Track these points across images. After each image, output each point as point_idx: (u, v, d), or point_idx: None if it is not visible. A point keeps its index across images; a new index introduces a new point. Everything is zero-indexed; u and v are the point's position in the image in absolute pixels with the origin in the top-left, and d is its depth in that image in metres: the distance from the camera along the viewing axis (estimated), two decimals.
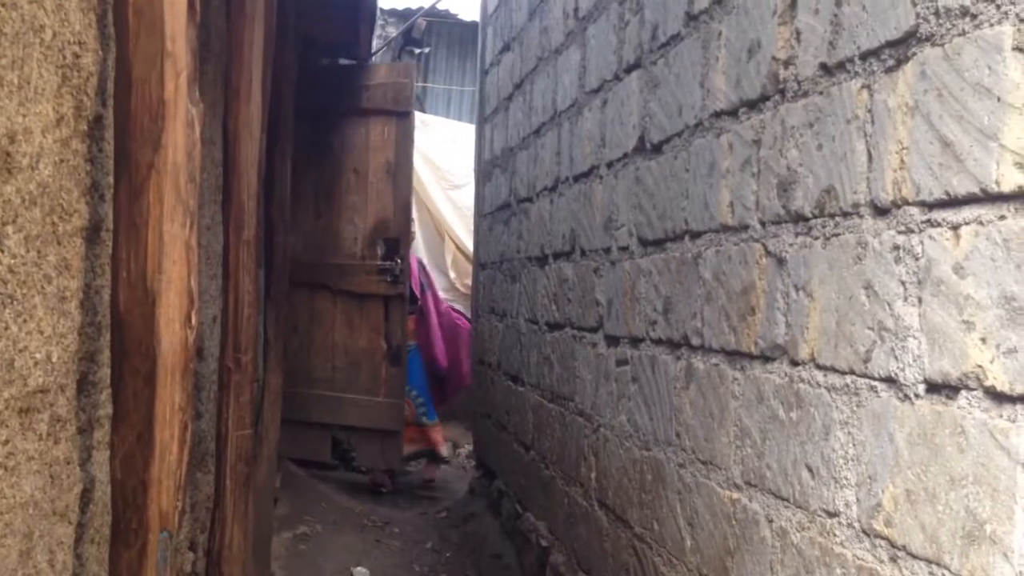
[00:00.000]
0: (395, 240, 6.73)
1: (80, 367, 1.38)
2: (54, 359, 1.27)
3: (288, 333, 5.59)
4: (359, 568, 5.10)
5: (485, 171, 6.65)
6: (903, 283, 1.73)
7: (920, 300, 1.68)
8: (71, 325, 1.33)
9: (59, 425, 1.30)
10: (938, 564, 1.61)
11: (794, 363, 2.14)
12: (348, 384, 6.68)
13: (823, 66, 2.05)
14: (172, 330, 1.44)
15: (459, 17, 10.07)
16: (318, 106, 6.48)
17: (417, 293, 6.94)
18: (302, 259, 6.36)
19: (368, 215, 6.80)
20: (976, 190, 1.54)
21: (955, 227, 1.60)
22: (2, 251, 1.15)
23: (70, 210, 1.31)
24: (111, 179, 1.45)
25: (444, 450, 7.09)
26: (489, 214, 6.38)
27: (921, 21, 1.70)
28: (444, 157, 9.42)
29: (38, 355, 1.24)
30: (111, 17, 1.46)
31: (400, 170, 6.86)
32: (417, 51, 9.91)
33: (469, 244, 7.97)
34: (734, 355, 2.46)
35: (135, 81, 1.41)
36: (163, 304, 1.42)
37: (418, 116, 9.68)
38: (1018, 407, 1.44)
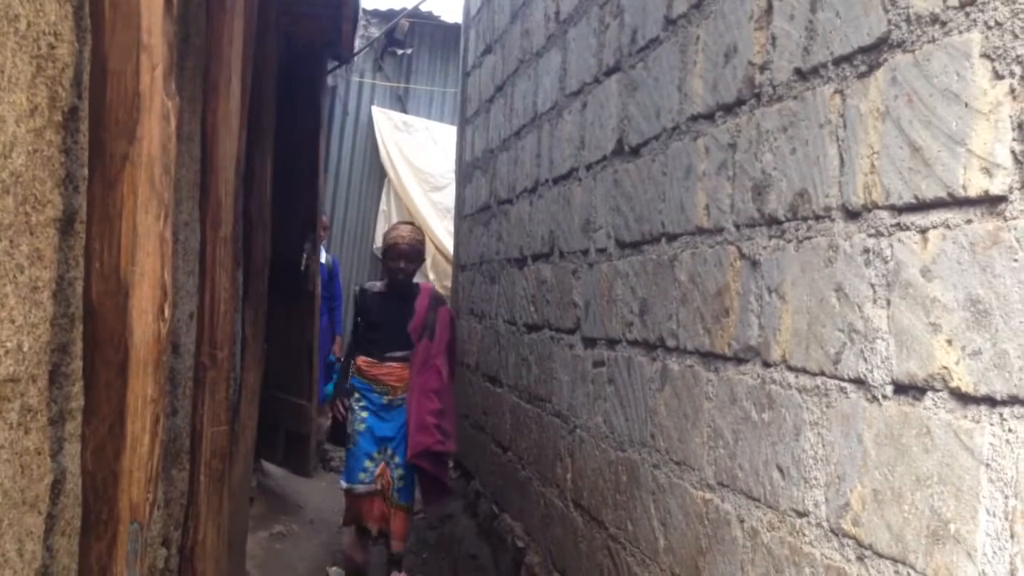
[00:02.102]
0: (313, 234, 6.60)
1: (52, 358, 1.38)
2: (25, 348, 1.27)
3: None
4: (334, 568, 5.09)
5: (466, 173, 6.66)
6: (872, 286, 1.76)
7: (889, 302, 1.70)
8: (43, 315, 1.33)
9: (30, 415, 1.30)
10: (904, 563, 1.63)
11: (766, 364, 2.16)
12: (286, 385, 6.68)
13: (798, 71, 2.07)
14: (145, 322, 1.44)
15: (442, 19, 10.08)
16: None
17: (415, 334, 4.89)
18: None
19: (300, 209, 6.76)
20: (944, 194, 1.57)
21: (923, 231, 1.62)
22: None
23: (43, 200, 1.31)
24: (86, 171, 1.45)
25: (400, 547, 4.95)
26: (469, 215, 6.39)
27: (893, 28, 1.73)
28: (425, 159, 9.44)
29: (9, 344, 1.24)
30: (87, 9, 1.46)
31: (316, 161, 6.84)
32: (400, 52, 9.91)
33: (449, 246, 7.98)
34: (708, 357, 2.48)
35: (110, 73, 1.41)
36: (136, 296, 1.42)
37: (400, 117, 9.70)
38: (982, 408, 1.47)
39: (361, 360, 4.95)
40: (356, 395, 4.92)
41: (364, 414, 4.90)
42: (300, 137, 6.72)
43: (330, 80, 9.18)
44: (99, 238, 1.40)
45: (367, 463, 4.83)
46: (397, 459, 4.85)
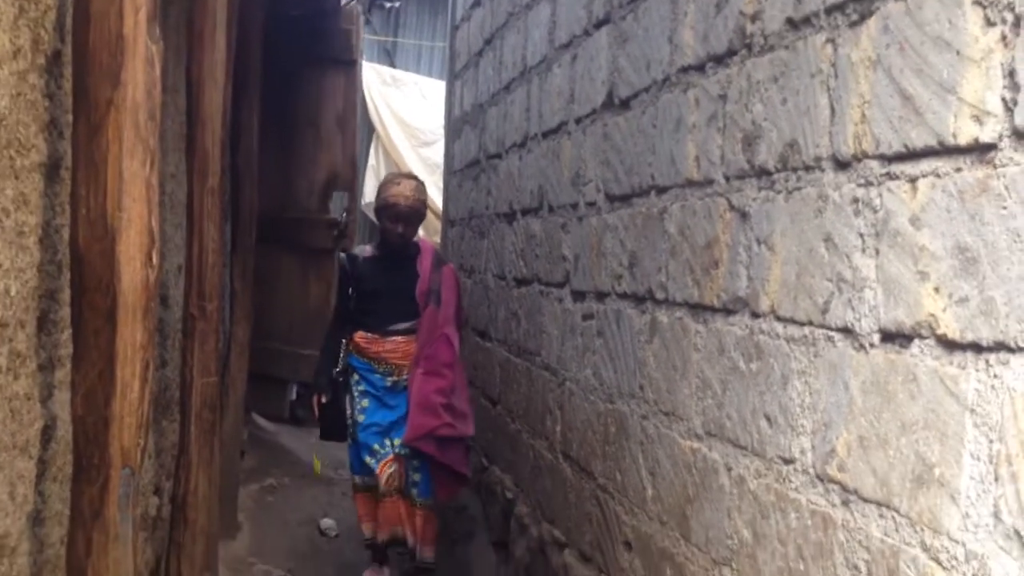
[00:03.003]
0: (345, 193, 6.68)
1: (40, 305, 1.37)
2: (12, 293, 1.27)
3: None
4: (325, 519, 5.14)
5: (455, 128, 6.62)
6: (861, 235, 1.76)
7: (877, 252, 1.71)
8: (30, 260, 1.32)
9: (19, 360, 1.30)
10: (888, 507, 1.65)
11: (755, 315, 2.17)
12: (303, 340, 6.67)
13: (789, 20, 2.06)
14: (133, 268, 1.43)
15: None
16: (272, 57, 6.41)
17: (420, 298, 4.25)
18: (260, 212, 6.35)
19: (320, 168, 6.77)
20: (934, 143, 1.57)
21: (913, 180, 1.62)
22: None
23: (28, 145, 1.30)
24: (70, 117, 1.44)
25: (429, 553, 4.23)
26: (459, 171, 6.36)
27: None
28: (414, 114, 9.38)
29: None
30: None
31: (348, 121, 6.81)
32: (388, 5, 9.79)
33: (439, 201, 7.95)
34: (697, 308, 2.49)
35: (93, 16, 1.39)
36: (123, 242, 1.41)
37: (388, 72, 9.61)
38: (968, 354, 1.48)
39: (359, 336, 4.28)
40: (355, 377, 4.26)
41: (365, 402, 4.24)
42: (318, 93, 6.67)
43: None
44: (85, 184, 1.39)
45: (367, 458, 4.19)
46: (408, 449, 4.17)
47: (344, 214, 6.65)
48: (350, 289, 4.36)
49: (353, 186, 6.92)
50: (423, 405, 4.06)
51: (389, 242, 4.32)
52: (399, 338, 4.26)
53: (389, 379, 4.24)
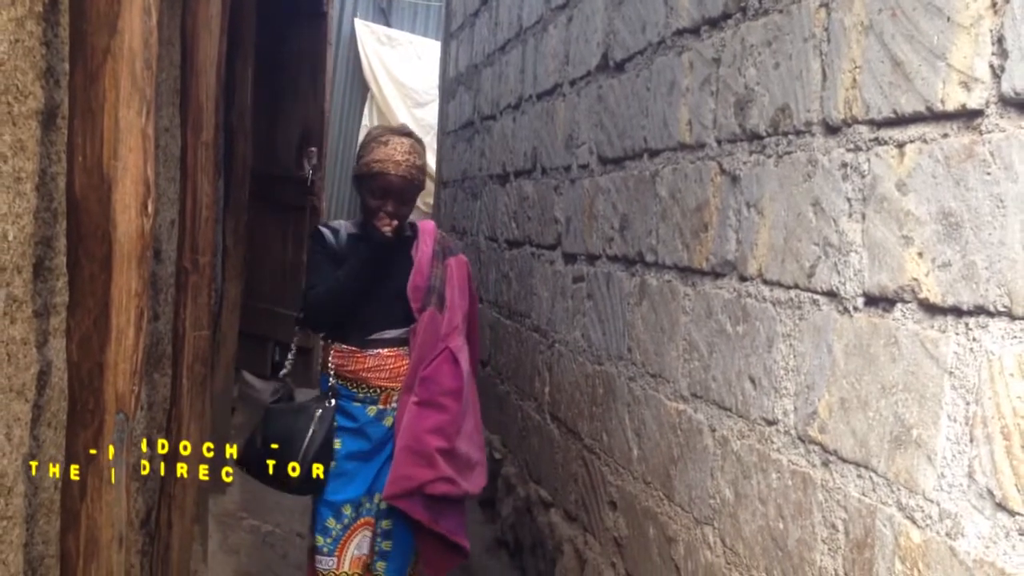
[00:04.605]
0: (315, 149, 6.64)
1: (36, 251, 1.39)
2: (10, 238, 1.29)
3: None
4: None
5: (450, 89, 6.60)
6: (849, 200, 1.78)
7: (864, 216, 1.73)
8: (27, 206, 1.34)
9: (15, 305, 1.32)
10: (866, 467, 1.69)
11: (742, 278, 2.20)
12: (280, 298, 6.66)
13: None
14: (128, 217, 1.45)
15: None
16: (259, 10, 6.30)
17: (415, 299, 3.04)
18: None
19: (296, 123, 6.72)
20: (922, 109, 1.58)
21: (900, 145, 1.64)
22: None
23: (25, 92, 1.31)
24: (66, 65, 1.45)
25: None
26: (452, 132, 6.35)
27: None
28: (409, 74, 9.33)
29: None
30: None
31: (320, 76, 6.77)
32: None
33: (432, 163, 7.94)
34: (686, 271, 2.51)
35: None
36: (119, 190, 1.43)
37: (384, 31, 9.55)
38: (949, 318, 1.51)
39: (333, 350, 3.06)
40: (327, 403, 3.04)
41: (336, 441, 3.00)
42: (296, 48, 6.61)
43: None
44: (81, 132, 1.40)
45: (329, 521, 3.00)
46: (384, 505, 2.99)
47: (311, 170, 6.59)
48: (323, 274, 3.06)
49: (323, 142, 6.85)
50: (412, 450, 2.92)
51: (371, 228, 3.00)
52: (385, 351, 3.03)
53: (372, 408, 3.03)
